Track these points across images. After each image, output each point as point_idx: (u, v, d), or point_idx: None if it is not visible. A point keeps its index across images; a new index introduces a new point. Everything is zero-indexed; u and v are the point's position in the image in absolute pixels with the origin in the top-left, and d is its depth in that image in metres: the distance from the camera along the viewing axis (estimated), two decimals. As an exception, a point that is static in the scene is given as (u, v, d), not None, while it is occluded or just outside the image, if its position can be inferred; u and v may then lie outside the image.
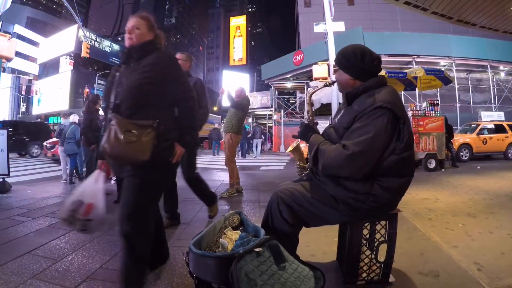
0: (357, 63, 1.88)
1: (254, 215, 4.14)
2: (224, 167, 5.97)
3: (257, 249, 1.46)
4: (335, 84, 2.11)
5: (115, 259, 2.70)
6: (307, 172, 2.12)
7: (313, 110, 2.27)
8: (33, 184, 7.01)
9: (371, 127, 1.66)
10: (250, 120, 29.24)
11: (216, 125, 24.53)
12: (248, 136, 19.07)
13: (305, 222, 1.90)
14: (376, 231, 1.99)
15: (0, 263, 2.59)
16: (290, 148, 2.41)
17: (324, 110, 18.52)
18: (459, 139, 12.01)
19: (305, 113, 18.33)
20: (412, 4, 14.20)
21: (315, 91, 2.51)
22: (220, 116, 33.10)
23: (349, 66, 1.91)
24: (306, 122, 2.12)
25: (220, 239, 1.76)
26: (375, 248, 2.00)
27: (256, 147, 18.01)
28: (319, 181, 1.90)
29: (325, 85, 2.34)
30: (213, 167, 11.51)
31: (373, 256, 2.01)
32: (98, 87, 34.89)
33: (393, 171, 1.74)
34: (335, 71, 2.03)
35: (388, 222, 1.98)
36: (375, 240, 2.00)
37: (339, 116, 1.96)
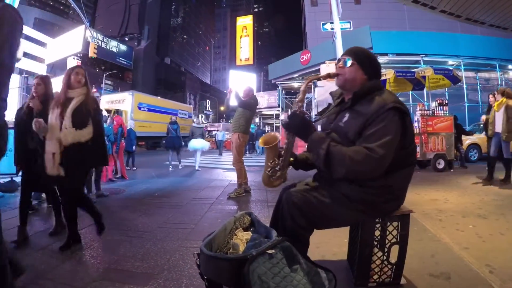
0: (375, 63, 1.94)
1: (262, 215, 4.13)
2: (232, 167, 5.96)
3: (269, 251, 1.45)
4: (335, 78, 1.99)
5: (124, 259, 2.72)
6: (282, 172, 1.96)
7: (304, 100, 2.01)
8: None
9: (390, 129, 1.67)
10: (257, 120, 29.22)
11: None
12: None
13: (317, 224, 1.87)
14: (388, 232, 1.97)
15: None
16: (262, 143, 2.00)
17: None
18: (467, 139, 11.88)
19: (317, 107, 16.92)
20: (420, 3, 14.10)
21: (316, 78, 2.15)
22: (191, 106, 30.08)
23: (369, 63, 1.92)
24: (296, 112, 1.90)
25: (231, 241, 1.76)
26: (386, 249, 1.98)
27: (258, 147, 19.96)
28: (327, 181, 1.88)
29: (329, 76, 2.04)
30: (220, 167, 11.53)
31: (384, 257, 1.99)
32: (105, 87, 34.94)
33: (401, 162, 1.78)
34: (344, 65, 1.92)
35: (400, 223, 1.96)
36: (387, 241, 1.98)
37: (344, 120, 1.86)
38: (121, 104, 21.53)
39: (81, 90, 3.05)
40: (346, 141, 1.76)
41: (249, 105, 5.63)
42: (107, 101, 22.32)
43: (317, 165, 1.94)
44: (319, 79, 2.15)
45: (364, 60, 1.91)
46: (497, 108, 6.41)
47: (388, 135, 1.65)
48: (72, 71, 3.09)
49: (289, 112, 1.89)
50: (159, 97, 26.46)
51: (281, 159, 1.95)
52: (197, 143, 10.22)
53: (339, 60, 1.98)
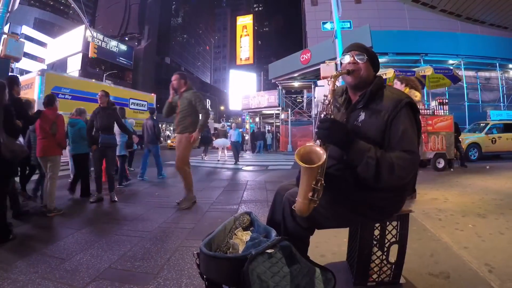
0: (378, 59, 1.88)
1: (262, 214, 4.12)
2: (234, 166, 5.89)
3: (269, 250, 1.45)
4: (350, 75, 1.79)
5: (124, 259, 2.73)
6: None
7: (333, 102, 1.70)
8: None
9: (414, 127, 1.64)
10: (257, 119, 29.19)
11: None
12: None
13: (318, 225, 1.82)
14: (387, 232, 1.97)
15: (8, 262, 2.62)
16: (302, 161, 1.51)
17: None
18: (467, 138, 11.88)
19: (318, 106, 15.32)
20: (421, 2, 14.12)
21: (340, 74, 1.78)
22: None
23: (376, 59, 1.85)
24: (331, 117, 1.63)
25: (231, 240, 1.76)
26: (386, 248, 1.98)
27: (260, 147, 21.91)
28: (332, 183, 1.76)
29: (348, 73, 1.78)
30: (221, 167, 11.52)
31: (384, 257, 1.99)
32: (105, 87, 34.84)
33: None
34: (358, 60, 1.78)
35: (399, 222, 1.96)
36: (386, 240, 1.98)
37: (360, 119, 1.72)
38: (29, 89, 14.17)
39: None
40: (366, 141, 1.60)
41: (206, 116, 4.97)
42: None
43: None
44: (341, 74, 1.82)
45: (373, 55, 1.83)
46: None
47: (415, 135, 1.63)
48: None
49: (322, 117, 1.60)
50: (93, 80, 18.74)
51: (321, 177, 1.51)
52: (220, 142, 14.22)
53: (350, 56, 1.82)
